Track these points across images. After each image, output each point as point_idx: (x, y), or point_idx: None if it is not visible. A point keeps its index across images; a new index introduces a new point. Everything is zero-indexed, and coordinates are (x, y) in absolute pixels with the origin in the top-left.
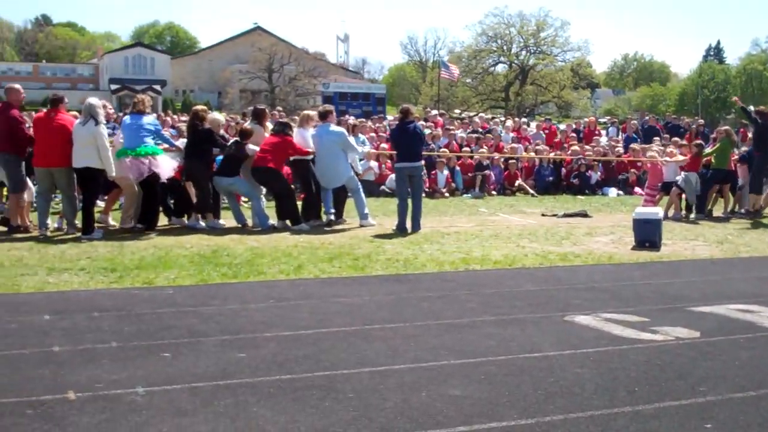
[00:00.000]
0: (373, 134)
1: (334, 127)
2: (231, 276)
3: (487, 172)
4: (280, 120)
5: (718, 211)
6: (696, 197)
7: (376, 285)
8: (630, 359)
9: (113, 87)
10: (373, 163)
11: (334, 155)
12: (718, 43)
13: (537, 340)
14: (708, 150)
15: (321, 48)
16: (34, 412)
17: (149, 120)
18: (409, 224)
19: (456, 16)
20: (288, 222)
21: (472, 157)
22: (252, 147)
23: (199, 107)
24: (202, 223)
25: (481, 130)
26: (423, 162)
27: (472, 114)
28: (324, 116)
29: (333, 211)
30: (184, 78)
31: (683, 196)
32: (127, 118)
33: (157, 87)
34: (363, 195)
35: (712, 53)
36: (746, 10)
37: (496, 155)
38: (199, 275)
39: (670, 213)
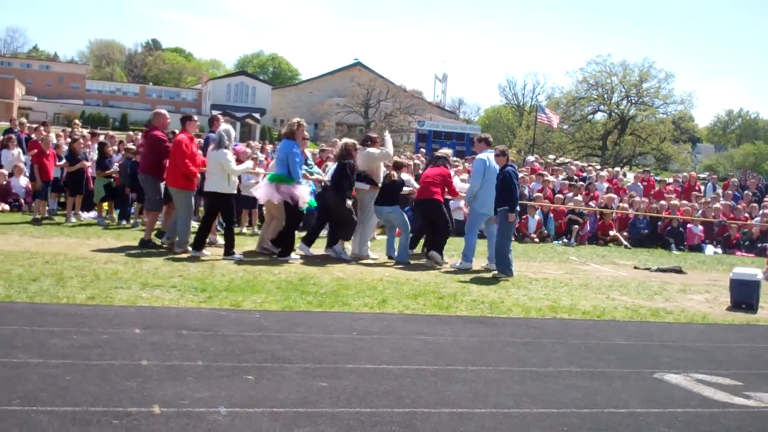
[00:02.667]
0: (465, 175)
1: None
2: (316, 305)
3: (581, 219)
4: (438, 154)
5: None
6: None
7: (460, 325)
8: (721, 423)
9: (214, 113)
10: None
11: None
12: None
13: (624, 395)
14: None
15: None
16: (120, 423)
17: (289, 146)
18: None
19: (556, 61)
20: (434, 253)
21: (564, 204)
22: (407, 177)
23: (350, 141)
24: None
25: (575, 177)
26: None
27: (566, 161)
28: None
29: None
30: (283, 108)
31: None
32: (281, 144)
33: (257, 115)
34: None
35: None
36: None
37: (591, 205)
38: (285, 301)
39: None
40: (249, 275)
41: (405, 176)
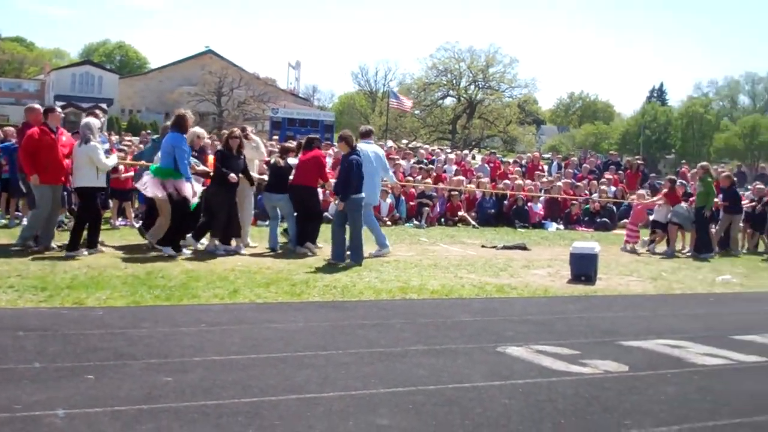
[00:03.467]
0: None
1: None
2: (164, 299)
3: (430, 201)
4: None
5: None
6: (704, 236)
7: (311, 311)
8: (558, 391)
9: (59, 104)
10: None
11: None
12: (662, 85)
13: (468, 370)
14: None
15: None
16: None
17: (178, 140)
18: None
19: (407, 48)
20: (309, 243)
21: (415, 187)
22: (294, 161)
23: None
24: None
25: (425, 161)
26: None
27: (419, 145)
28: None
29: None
30: (132, 98)
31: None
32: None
33: (104, 105)
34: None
35: (655, 95)
36: (689, 53)
37: (440, 186)
38: (131, 297)
39: (659, 248)
40: (93, 271)
41: (292, 161)
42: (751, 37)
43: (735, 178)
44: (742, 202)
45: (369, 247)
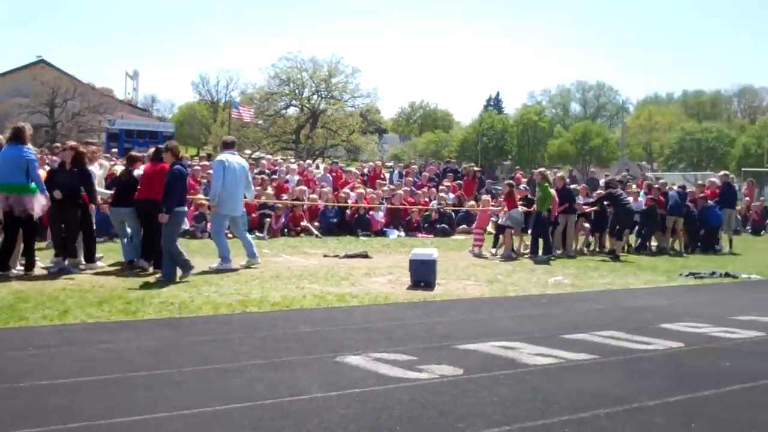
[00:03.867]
0: None
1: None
2: None
3: (272, 212)
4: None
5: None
6: (543, 239)
7: (146, 330)
8: (394, 398)
9: None
10: None
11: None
12: (498, 94)
13: (306, 382)
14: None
15: (110, 84)
16: None
17: (28, 152)
18: None
19: (249, 58)
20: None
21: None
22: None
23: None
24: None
25: (267, 171)
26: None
27: (262, 155)
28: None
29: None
30: None
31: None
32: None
33: None
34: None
35: (492, 103)
36: (524, 64)
37: (284, 197)
38: None
39: (500, 251)
40: None
41: (137, 172)
42: (581, 47)
43: (568, 179)
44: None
45: (239, 257)
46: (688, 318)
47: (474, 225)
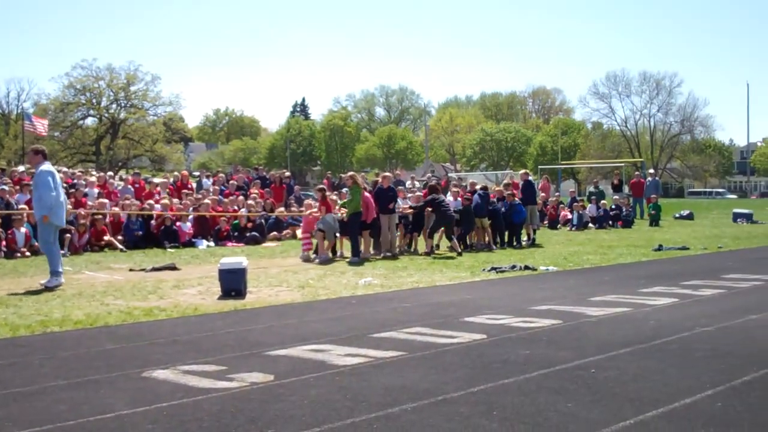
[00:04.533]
0: None
1: None
2: None
3: (73, 228)
4: None
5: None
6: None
7: None
8: (204, 409)
9: None
10: None
11: None
12: (304, 100)
13: (111, 400)
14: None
15: None
16: None
17: None
18: None
19: (41, 67)
20: None
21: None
22: None
23: None
24: None
25: (65, 185)
26: None
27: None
28: None
29: None
30: None
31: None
32: None
33: None
34: None
35: (298, 109)
36: (329, 69)
37: (82, 211)
38: None
39: (312, 255)
40: None
41: None
42: (383, 51)
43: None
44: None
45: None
46: (489, 311)
47: (301, 230)
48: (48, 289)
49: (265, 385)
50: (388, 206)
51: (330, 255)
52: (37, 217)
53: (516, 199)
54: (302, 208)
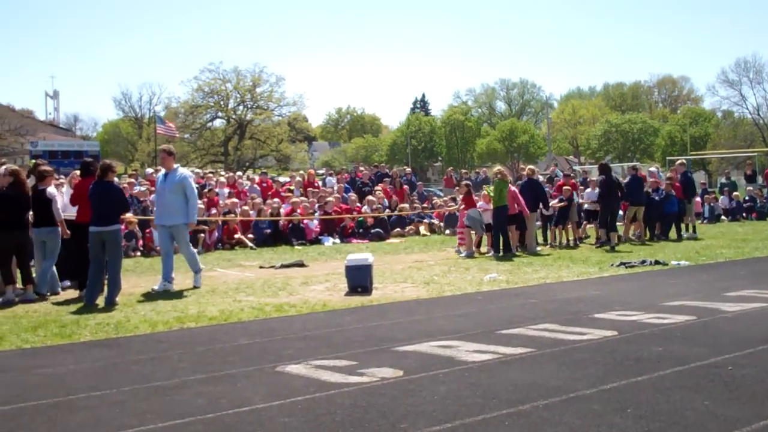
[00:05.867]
0: None
1: None
2: None
3: (206, 227)
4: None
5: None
6: (498, 235)
7: (83, 352)
8: (337, 403)
9: None
10: None
11: None
12: (424, 96)
13: (247, 394)
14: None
15: (30, 105)
16: None
17: None
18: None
19: (171, 71)
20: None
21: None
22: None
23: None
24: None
25: (197, 185)
26: (119, 226)
27: (192, 169)
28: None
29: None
30: None
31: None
32: None
33: None
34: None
35: (418, 106)
36: (448, 64)
37: (213, 211)
38: None
39: (463, 250)
40: None
41: (50, 190)
42: (502, 45)
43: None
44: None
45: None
46: (619, 307)
47: (457, 225)
48: (196, 288)
49: (395, 380)
50: (537, 201)
51: (475, 250)
52: (186, 221)
53: (672, 190)
54: (425, 204)
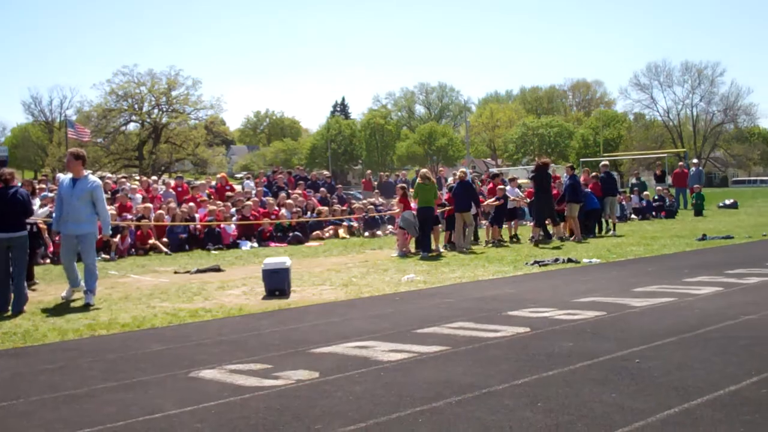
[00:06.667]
0: None
1: None
2: None
3: (119, 233)
4: None
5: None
6: (421, 236)
7: None
8: (251, 407)
9: None
10: None
11: None
12: (344, 99)
13: (159, 400)
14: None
15: None
16: None
17: None
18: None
19: (83, 74)
20: None
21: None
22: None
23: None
24: None
25: (110, 191)
26: (26, 231)
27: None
28: None
29: None
30: None
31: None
32: None
33: None
34: None
35: (338, 109)
36: (368, 68)
37: (129, 216)
38: None
39: (395, 252)
40: None
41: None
42: (422, 49)
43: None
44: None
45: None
46: (532, 304)
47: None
48: (89, 305)
49: (311, 383)
50: (467, 201)
51: (410, 250)
52: (95, 230)
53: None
54: (344, 208)
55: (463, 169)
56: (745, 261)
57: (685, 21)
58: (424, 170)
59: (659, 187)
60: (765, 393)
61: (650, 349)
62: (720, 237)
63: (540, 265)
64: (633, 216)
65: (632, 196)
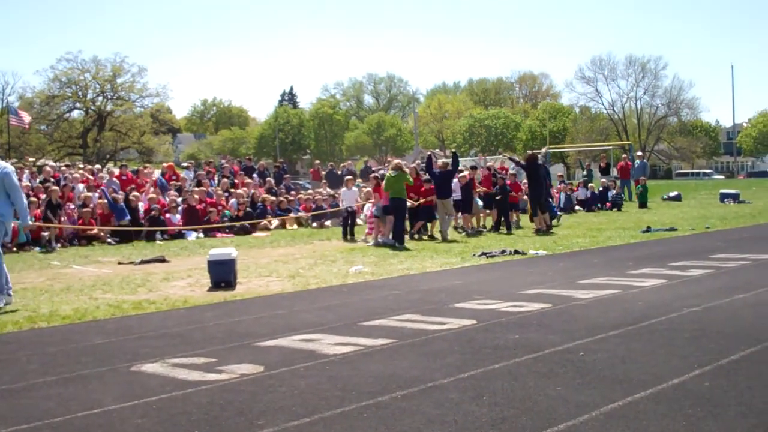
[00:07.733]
0: None
1: None
2: None
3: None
4: None
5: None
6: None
7: None
8: (193, 402)
9: None
10: None
11: None
12: (292, 88)
13: (99, 395)
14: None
15: None
16: None
17: None
18: None
19: (25, 60)
20: None
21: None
22: None
23: None
24: None
25: (52, 179)
26: None
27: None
28: None
29: None
30: None
31: None
32: None
33: None
34: None
35: (286, 98)
36: (316, 57)
37: (71, 205)
38: None
39: (380, 238)
40: None
41: None
42: (370, 39)
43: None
44: None
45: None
46: (479, 296)
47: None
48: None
49: (255, 377)
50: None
51: (385, 238)
52: (21, 223)
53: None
54: (291, 198)
55: (444, 160)
56: (689, 253)
57: (630, 15)
58: (396, 161)
59: (604, 179)
60: (708, 386)
61: (595, 341)
62: (664, 229)
63: (487, 257)
64: (577, 208)
65: (579, 186)
